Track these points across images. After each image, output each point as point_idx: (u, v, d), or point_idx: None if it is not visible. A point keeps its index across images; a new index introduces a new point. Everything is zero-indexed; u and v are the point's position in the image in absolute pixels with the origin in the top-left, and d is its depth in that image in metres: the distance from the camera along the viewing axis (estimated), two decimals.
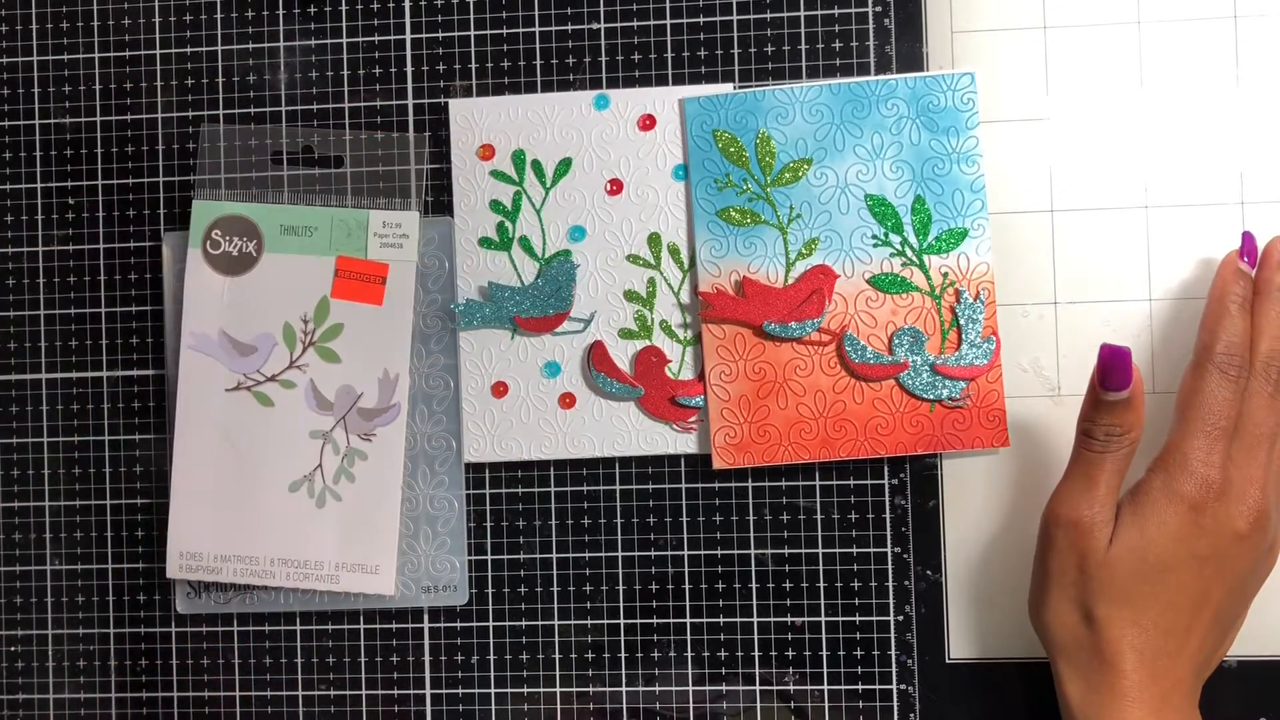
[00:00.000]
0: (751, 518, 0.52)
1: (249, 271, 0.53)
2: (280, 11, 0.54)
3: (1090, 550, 0.45)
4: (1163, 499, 0.45)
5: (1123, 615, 0.45)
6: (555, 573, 0.53)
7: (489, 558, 0.53)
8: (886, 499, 0.52)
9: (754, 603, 0.52)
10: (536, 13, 0.53)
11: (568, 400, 0.52)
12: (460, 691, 0.53)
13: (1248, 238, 0.48)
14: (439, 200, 0.53)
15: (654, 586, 0.52)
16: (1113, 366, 0.44)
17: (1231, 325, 0.46)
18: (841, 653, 0.52)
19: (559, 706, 0.53)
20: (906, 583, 0.52)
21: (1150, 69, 0.51)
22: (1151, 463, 0.46)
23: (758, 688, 0.52)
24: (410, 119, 0.54)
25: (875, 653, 0.52)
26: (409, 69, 0.54)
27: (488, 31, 0.54)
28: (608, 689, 0.53)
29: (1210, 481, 0.44)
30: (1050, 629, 0.46)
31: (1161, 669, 0.45)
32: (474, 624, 0.53)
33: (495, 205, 0.53)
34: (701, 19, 0.53)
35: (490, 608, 0.53)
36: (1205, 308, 0.48)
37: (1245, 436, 0.46)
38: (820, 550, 0.52)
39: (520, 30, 0.53)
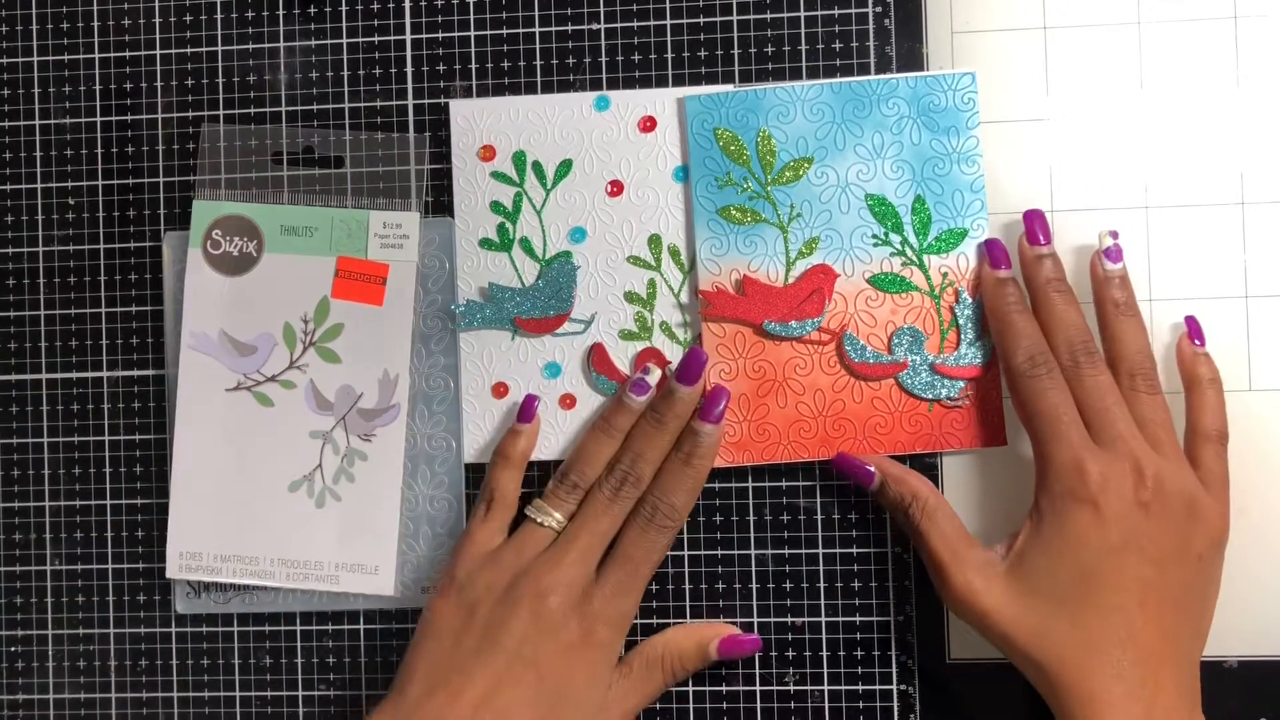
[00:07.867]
0: (751, 518, 0.52)
1: (249, 271, 0.53)
2: (280, 11, 0.54)
3: (987, 614, 0.45)
4: (1061, 510, 0.45)
5: (1076, 641, 0.43)
6: None
7: None
8: None
9: (754, 603, 0.52)
10: (536, 13, 0.53)
11: (568, 401, 0.52)
12: None
13: (994, 243, 0.49)
14: (439, 201, 0.53)
15: (654, 586, 0.52)
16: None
17: (1020, 331, 0.47)
18: (841, 653, 0.52)
19: None
20: (906, 583, 0.52)
21: (1150, 69, 0.51)
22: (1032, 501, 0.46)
23: (758, 688, 0.52)
24: (410, 119, 0.54)
25: (875, 653, 0.52)
26: (409, 69, 0.54)
27: (488, 32, 0.54)
28: None
29: (1086, 470, 0.44)
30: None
31: (1148, 691, 0.43)
32: None
33: (496, 206, 0.53)
34: (701, 19, 0.53)
35: None
36: (991, 327, 0.49)
37: (1090, 418, 0.46)
38: (820, 550, 0.52)
39: (520, 30, 0.53)
